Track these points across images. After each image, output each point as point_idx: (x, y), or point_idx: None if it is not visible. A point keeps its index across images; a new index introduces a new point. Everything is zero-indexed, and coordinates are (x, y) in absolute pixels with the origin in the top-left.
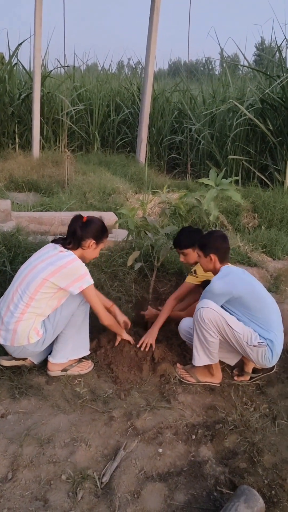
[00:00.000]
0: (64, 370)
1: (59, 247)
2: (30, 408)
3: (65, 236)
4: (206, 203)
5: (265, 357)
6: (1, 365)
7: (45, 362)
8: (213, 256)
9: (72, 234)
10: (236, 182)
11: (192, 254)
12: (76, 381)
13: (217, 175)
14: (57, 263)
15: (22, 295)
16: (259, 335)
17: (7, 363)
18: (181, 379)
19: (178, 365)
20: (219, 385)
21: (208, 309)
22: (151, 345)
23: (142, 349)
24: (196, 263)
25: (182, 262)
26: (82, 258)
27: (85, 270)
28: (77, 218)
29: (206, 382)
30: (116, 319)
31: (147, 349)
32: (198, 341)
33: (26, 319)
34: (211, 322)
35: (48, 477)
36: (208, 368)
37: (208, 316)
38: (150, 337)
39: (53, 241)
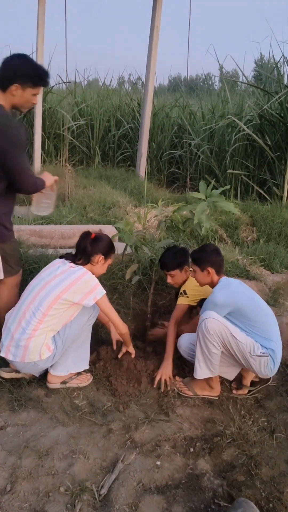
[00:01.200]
0: (64, 382)
1: (68, 263)
2: (29, 421)
3: (73, 252)
4: (196, 217)
5: (267, 366)
6: (1, 377)
7: (43, 374)
8: (210, 270)
9: (82, 250)
10: (235, 196)
11: (179, 275)
12: (75, 393)
13: (213, 188)
14: (69, 278)
15: (35, 311)
16: (260, 345)
17: (7, 375)
18: (179, 392)
19: (177, 378)
20: (217, 398)
21: (213, 320)
22: (168, 380)
23: (162, 389)
24: (183, 283)
25: (170, 283)
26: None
27: (96, 281)
28: (86, 234)
29: (204, 395)
30: (111, 336)
31: (168, 387)
32: (201, 353)
33: (38, 335)
34: (215, 333)
35: (46, 489)
36: (207, 381)
37: (213, 327)
38: (165, 373)
39: (61, 257)
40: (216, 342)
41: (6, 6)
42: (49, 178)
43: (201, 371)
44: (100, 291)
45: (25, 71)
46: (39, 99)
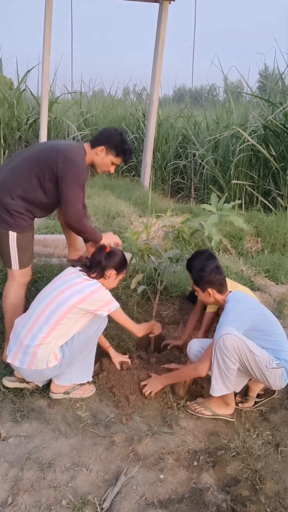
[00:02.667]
0: (66, 392)
1: (83, 275)
2: (32, 432)
3: (85, 263)
4: (207, 229)
5: (282, 377)
6: (4, 387)
7: (46, 385)
8: (210, 291)
9: (97, 264)
10: (240, 206)
11: None
12: (78, 404)
13: (219, 199)
14: (86, 290)
15: (48, 319)
16: (274, 356)
17: (11, 384)
18: (195, 414)
19: (188, 402)
20: (233, 419)
21: (231, 335)
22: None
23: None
24: None
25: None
26: None
27: (109, 297)
28: (101, 249)
29: (222, 414)
30: (111, 360)
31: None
32: (217, 369)
33: (48, 342)
34: (234, 349)
35: (48, 502)
36: (222, 397)
37: (232, 342)
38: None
39: (73, 266)
40: (234, 358)
41: (12, 17)
42: (109, 238)
43: (218, 389)
44: (114, 305)
45: (115, 140)
46: (44, 109)
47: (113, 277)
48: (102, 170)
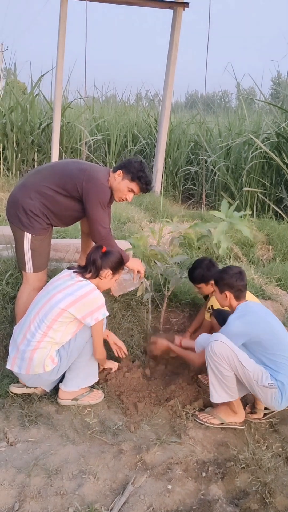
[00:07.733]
0: (75, 399)
1: (76, 277)
2: (39, 437)
3: (81, 265)
4: (216, 236)
5: (274, 399)
6: (12, 393)
7: (55, 390)
8: (228, 294)
9: (92, 263)
10: (251, 214)
11: (205, 288)
12: (86, 411)
13: (230, 206)
14: (77, 293)
15: (40, 324)
16: (270, 375)
17: (18, 390)
18: (204, 423)
19: (197, 413)
20: (243, 427)
21: (219, 342)
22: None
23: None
24: (212, 293)
25: (197, 292)
26: (98, 288)
27: (102, 301)
28: (97, 248)
29: (231, 423)
30: (116, 344)
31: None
32: (213, 376)
33: (43, 347)
34: (222, 355)
35: (55, 509)
36: (229, 406)
37: (219, 349)
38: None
39: (69, 268)
40: (226, 365)
41: (27, 22)
42: (135, 263)
43: (217, 395)
44: (102, 313)
45: (132, 166)
46: (57, 114)
47: (109, 277)
48: (119, 197)
